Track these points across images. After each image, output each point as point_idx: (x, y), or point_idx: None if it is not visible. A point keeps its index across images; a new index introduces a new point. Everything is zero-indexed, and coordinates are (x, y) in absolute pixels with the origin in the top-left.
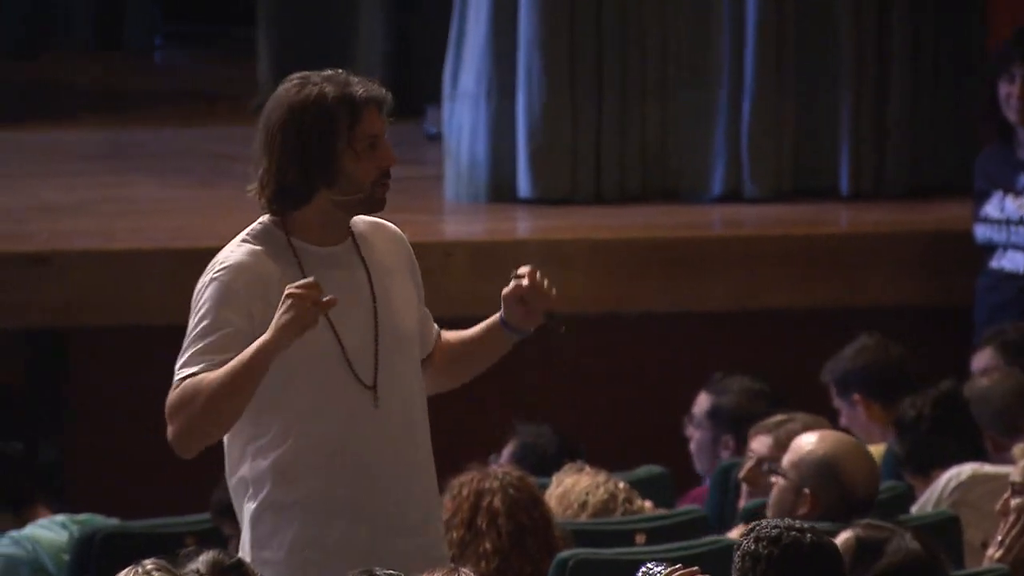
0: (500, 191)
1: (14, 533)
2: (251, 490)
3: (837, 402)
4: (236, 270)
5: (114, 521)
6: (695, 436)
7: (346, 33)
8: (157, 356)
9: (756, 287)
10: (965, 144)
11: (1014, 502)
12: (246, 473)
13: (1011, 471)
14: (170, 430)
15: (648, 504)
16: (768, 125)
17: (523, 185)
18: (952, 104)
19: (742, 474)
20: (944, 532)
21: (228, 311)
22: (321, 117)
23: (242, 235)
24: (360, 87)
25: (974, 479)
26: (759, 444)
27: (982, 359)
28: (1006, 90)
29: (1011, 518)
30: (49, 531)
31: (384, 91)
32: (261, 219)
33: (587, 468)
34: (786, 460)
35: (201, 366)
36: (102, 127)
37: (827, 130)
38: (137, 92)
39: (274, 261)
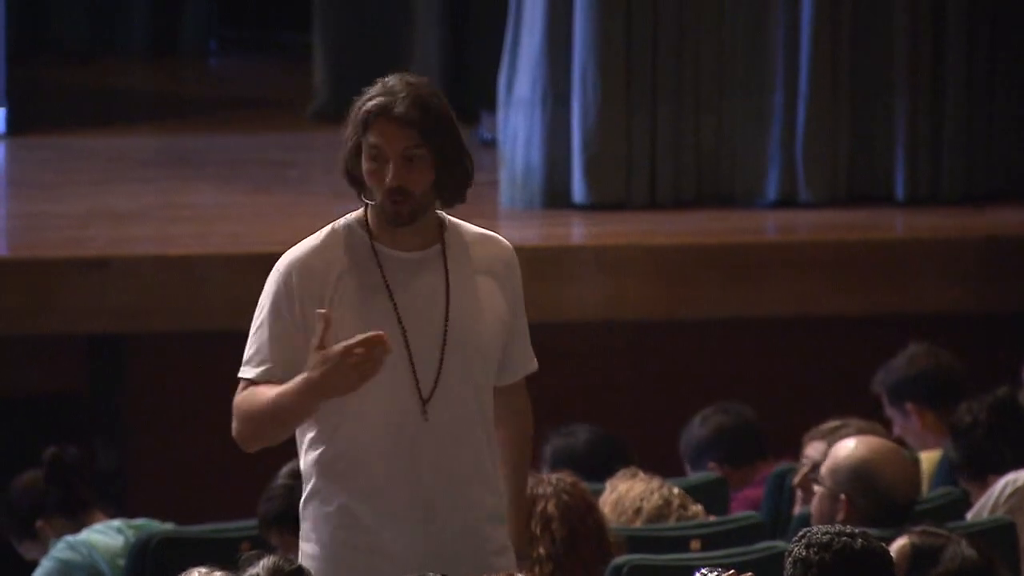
0: (555, 197)
1: (70, 538)
2: (303, 482)
3: (889, 411)
4: (293, 264)
5: (170, 526)
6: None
7: (402, 39)
8: (215, 361)
9: (811, 293)
10: (1021, 150)
11: None
12: (301, 464)
13: None
14: (233, 427)
15: (702, 510)
16: (823, 131)
17: (578, 191)
18: (1008, 109)
19: (796, 480)
20: (1000, 538)
21: (281, 308)
22: (351, 121)
23: (326, 228)
24: (384, 97)
25: None
26: (813, 450)
27: None
28: None
29: None
30: (105, 536)
31: (405, 104)
32: (351, 214)
33: (641, 474)
34: (824, 467)
35: (258, 372)
36: (159, 133)
37: (882, 135)
38: (193, 97)
39: (346, 255)
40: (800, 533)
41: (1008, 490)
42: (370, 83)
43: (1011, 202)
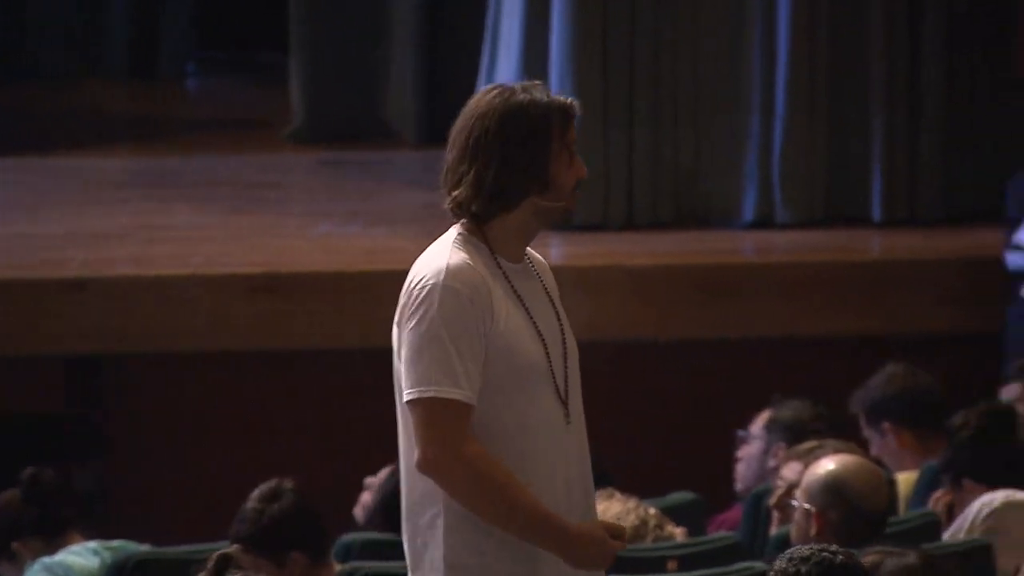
0: None
1: (46, 560)
2: (437, 506)
3: (867, 431)
4: (462, 280)
5: (147, 547)
6: (745, 452)
7: (378, 59)
8: (193, 382)
9: (788, 314)
10: (998, 171)
11: None
12: (429, 487)
13: None
14: (461, 481)
15: (680, 531)
16: (800, 151)
17: None
18: (985, 131)
19: (773, 501)
20: (976, 559)
21: (468, 324)
22: (539, 122)
23: (450, 243)
24: (562, 97)
25: (1007, 506)
26: (790, 471)
27: (1011, 391)
28: None
29: None
30: (81, 557)
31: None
32: (457, 229)
33: (617, 494)
34: (800, 487)
35: (467, 395)
36: (137, 154)
37: (859, 156)
38: (170, 119)
39: (485, 269)
40: (783, 553)
41: (984, 511)
42: (347, 104)
43: (988, 223)
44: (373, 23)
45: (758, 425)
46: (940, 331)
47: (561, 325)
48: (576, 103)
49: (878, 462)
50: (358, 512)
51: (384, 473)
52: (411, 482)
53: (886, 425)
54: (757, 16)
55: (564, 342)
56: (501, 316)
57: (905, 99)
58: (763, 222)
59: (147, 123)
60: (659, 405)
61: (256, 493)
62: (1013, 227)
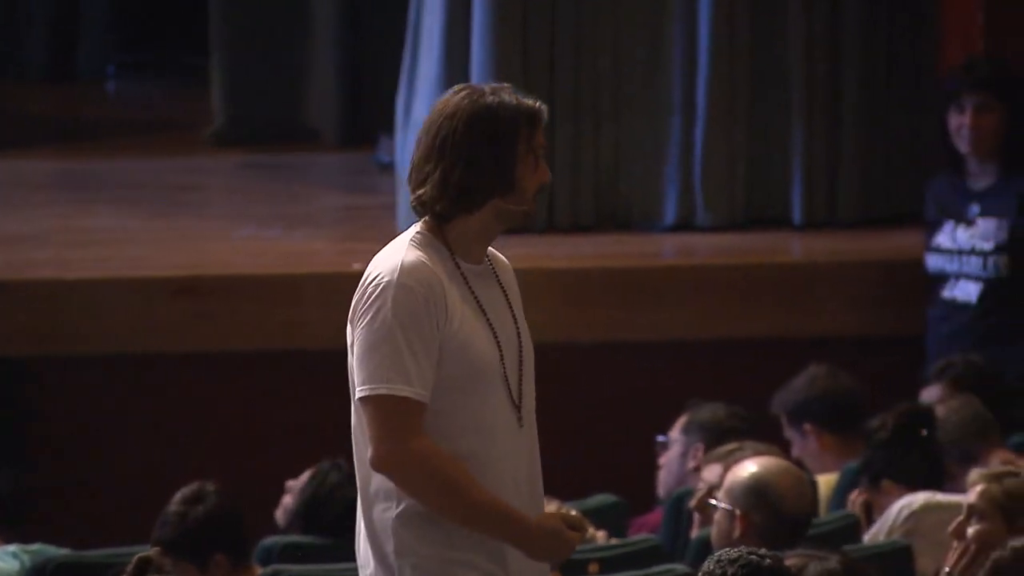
0: None
1: None
2: (391, 498)
3: (788, 432)
4: (417, 278)
5: (66, 551)
6: (666, 458)
7: (300, 62)
8: (113, 385)
9: (709, 316)
10: (917, 174)
11: (969, 529)
12: (384, 481)
13: (964, 499)
14: (412, 478)
15: (601, 533)
16: (721, 154)
17: None
18: (904, 134)
19: (693, 503)
20: (896, 561)
21: (422, 324)
22: (507, 124)
23: (407, 241)
24: (530, 100)
25: (926, 508)
26: (710, 473)
27: (931, 393)
28: (956, 120)
29: (962, 545)
30: (0, 561)
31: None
32: (416, 228)
33: None
34: (722, 489)
35: (419, 392)
36: (57, 157)
37: (780, 159)
38: (91, 122)
39: (441, 269)
40: (711, 557)
41: (904, 513)
42: (268, 106)
43: (907, 225)
44: (294, 25)
45: (676, 429)
46: (861, 333)
47: (518, 328)
48: (544, 108)
49: (799, 464)
50: (279, 515)
51: (305, 476)
52: (365, 478)
53: (807, 427)
54: (678, 18)
55: (520, 345)
56: (456, 316)
57: (825, 102)
58: (684, 225)
59: (67, 126)
60: (579, 408)
61: (178, 496)
62: (932, 229)
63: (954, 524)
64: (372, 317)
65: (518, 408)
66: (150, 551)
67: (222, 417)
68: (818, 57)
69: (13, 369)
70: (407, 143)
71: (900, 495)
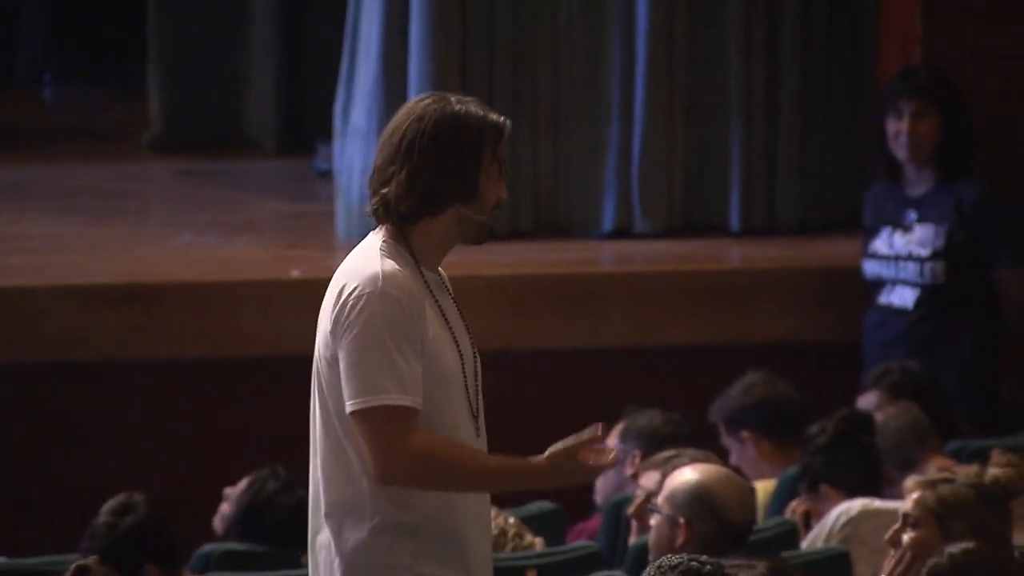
0: None
1: None
2: (363, 512)
3: (726, 440)
4: (399, 287)
5: (2, 559)
6: None
7: (237, 68)
8: (50, 393)
9: (647, 324)
10: (855, 180)
11: (905, 536)
12: (357, 494)
13: (901, 506)
14: (405, 466)
15: (539, 540)
16: (658, 161)
17: None
18: (842, 140)
19: (631, 510)
20: (834, 567)
21: (409, 332)
22: (472, 132)
23: (376, 250)
24: (495, 114)
25: (864, 514)
26: (648, 480)
27: (868, 400)
28: (894, 127)
29: (898, 552)
30: None
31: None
32: (380, 236)
33: None
34: (661, 496)
35: (415, 400)
36: None
37: (717, 166)
38: (27, 129)
39: (412, 278)
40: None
41: (842, 520)
42: (206, 113)
43: (845, 232)
44: (232, 32)
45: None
46: (799, 340)
47: (471, 340)
48: (508, 123)
49: (737, 471)
50: (217, 522)
51: (243, 483)
52: (333, 487)
53: (745, 434)
54: (616, 26)
55: (475, 356)
56: (430, 325)
57: (763, 109)
58: (622, 232)
59: (3, 133)
60: (515, 415)
61: (106, 507)
62: (869, 235)
63: (890, 532)
64: (360, 329)
65: (475, 418)
66: (88, 560)
67: (159, 424)
68: (756, 65)
69: None
70: (345, 150)
71: (839, 500)
